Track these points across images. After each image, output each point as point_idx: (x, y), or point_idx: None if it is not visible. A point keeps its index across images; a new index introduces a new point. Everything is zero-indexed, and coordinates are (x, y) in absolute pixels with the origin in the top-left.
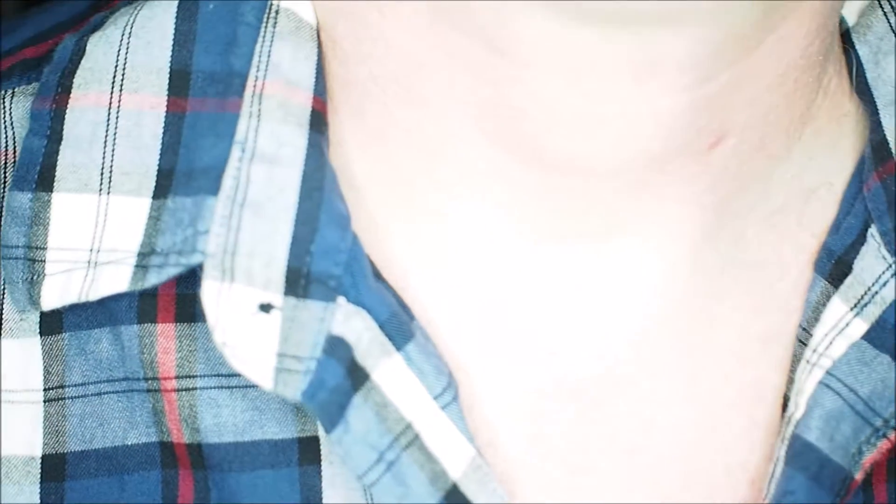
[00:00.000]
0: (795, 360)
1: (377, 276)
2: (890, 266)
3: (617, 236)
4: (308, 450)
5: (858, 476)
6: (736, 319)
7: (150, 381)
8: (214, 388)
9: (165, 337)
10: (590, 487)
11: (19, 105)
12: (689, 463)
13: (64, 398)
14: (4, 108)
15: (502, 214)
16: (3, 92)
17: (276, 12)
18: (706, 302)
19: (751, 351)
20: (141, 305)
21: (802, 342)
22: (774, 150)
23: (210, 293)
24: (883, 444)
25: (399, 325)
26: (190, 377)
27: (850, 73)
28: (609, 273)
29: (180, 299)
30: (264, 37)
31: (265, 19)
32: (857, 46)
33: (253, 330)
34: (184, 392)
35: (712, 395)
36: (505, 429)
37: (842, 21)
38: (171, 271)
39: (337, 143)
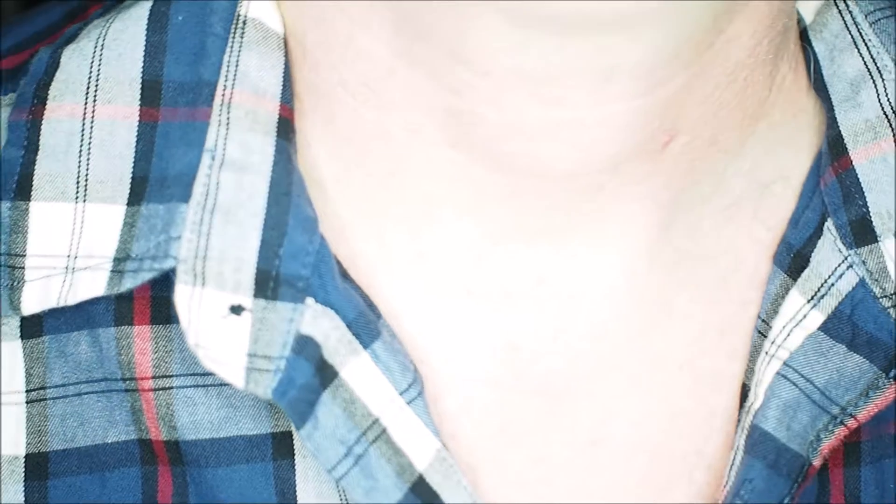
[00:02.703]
0: (755, 351)
1: (345, 276)
2: (846, 259)
3: (576, 235)
4: (282, 444)
5: (817, 462)
6: (693, 311)
7: (127, 382)
8: (190, 386)
9: (142, 338)
10: (552, 477)
11: None
12: (649, 452)
13: (45, 399)
14: None
15: (466, 215)
16: None
17: (244, 23)
18: (664, 295)
19: (708, 342)
20: (117, 308)
21: (762, 334)
22: (727, 146)
23: (182, 297)
24: (840, 431)
25: (366, 324)
26: (166, 377)
27: (807, 69)
28: (569, 270)
29: (156, 302)
30: (232, 47)
31: (233, 30)
32: (814, 44)
33: (224, 331)
34: (160, 391)
35: (671, 385)
36: (469, 422)
37: (800, 19)
38: (146, 276)
39: (306, 147)
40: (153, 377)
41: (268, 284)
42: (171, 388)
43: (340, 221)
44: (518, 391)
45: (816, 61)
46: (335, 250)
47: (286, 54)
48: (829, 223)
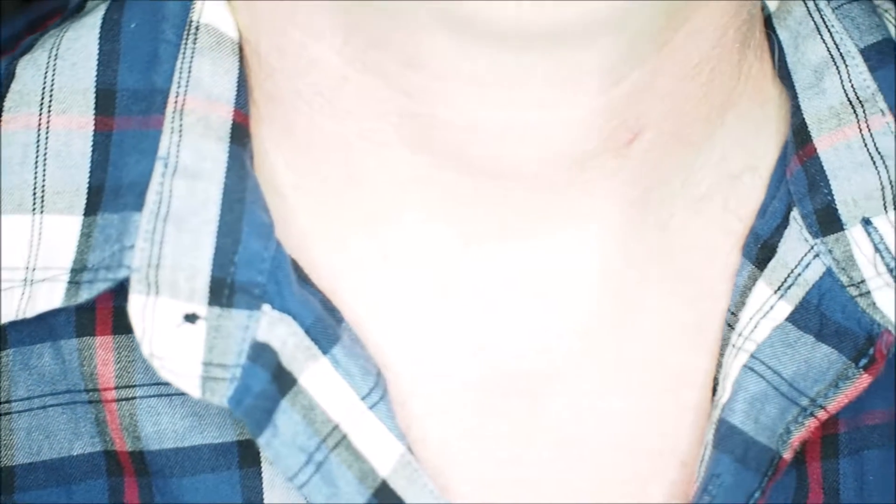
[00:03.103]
0: (725, 344)
1: (305, 281)
2: (812, 248)
3: (545, 234)
4: (248, 452)
5: (787, 455)
6: (665, 306)
7: (90, 393)
8: (153, 396)
9: (104, 349)
10: (526, 478)
11: None
12: (622, 450)
13: (11, 412)
14: None
15: (430, 217)
16: None
17: (197, 29)
18: (636, 291)
19: (681, 336)
20: (78, 319)
21: (732, 326)
22: (695, 138)
23: (136, 307)
24: (811, 423)
25: (324, 330)
26: (129, 387)
27: (772, 57)
28: (539, 269)
29: (117, 312)
30: (184, 53)
31: (185, 36)
32: (778, 31)
33: (179, 340)
34: (124, 402)
35: (644, 382)
36: (440, 424)
37: (764, 6)
38: (101, 286)
39: (265, 154)
40: (116, 388)
41: (223, 292)
42: (135, 398)
43: (302, 228)
44: (489, 391)
45: (781, 49)
46: (297, 257)
47: (241, 60)
48: (794, 212)
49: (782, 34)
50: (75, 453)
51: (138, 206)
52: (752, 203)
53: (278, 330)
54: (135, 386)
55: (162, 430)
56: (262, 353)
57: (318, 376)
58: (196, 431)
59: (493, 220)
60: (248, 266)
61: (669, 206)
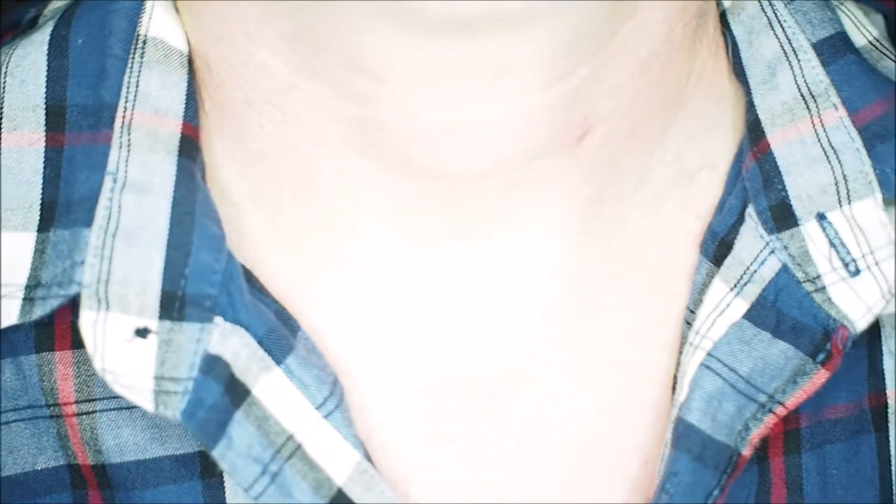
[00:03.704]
0: (683, 342)
1: (261, 291)
2: (767, 244)
3: (497, 234)
4: (209, 463)
5: (746, 452)
6: (623, 304)
7: (52, 408)
8: (113, 409)
9: (63, 364)
10: (488, 480)
11: None
12: (585, 450)
13: None
14: None
15: (384, 222)
16: None
17: (144, 42)
18: (592, 290)
19: (639, 335)
20: (38, 335)
21: (690, 324)
22: (648, 135)
23: (87, 322)
24: (770, 420)
25: (277, 340)
26: (89, 401)
27: (728, 54)
28: (493, 271)
29: (76, 327)
30: (132, 67)
31: (132, 50)
32: (732, 27)
33: (130, 355)
34: (84, 416)
35: (602, 380)
36: (402, 429)
37: (719, 3)
38: (54, 303)
39: (218, 166)
40: (76, 402)
41: (173, 305)
42: (95, 412)
43: (258, 238)
44: (448, 394)
45: (735, 45)
46: (253, 267)
47: (191, 72)
48: (750, 209)
49: (736, 30)
50: (39, 468)
51: (88, 221)
52: (709, 201)
53: (231, 342)
54: (95, 400)
55: (123, 442)
56: (214, 366)
57: (271, 387)
58: (157, 443)
59: (444, 223)
60: (199, 278)
61: (625, 205)
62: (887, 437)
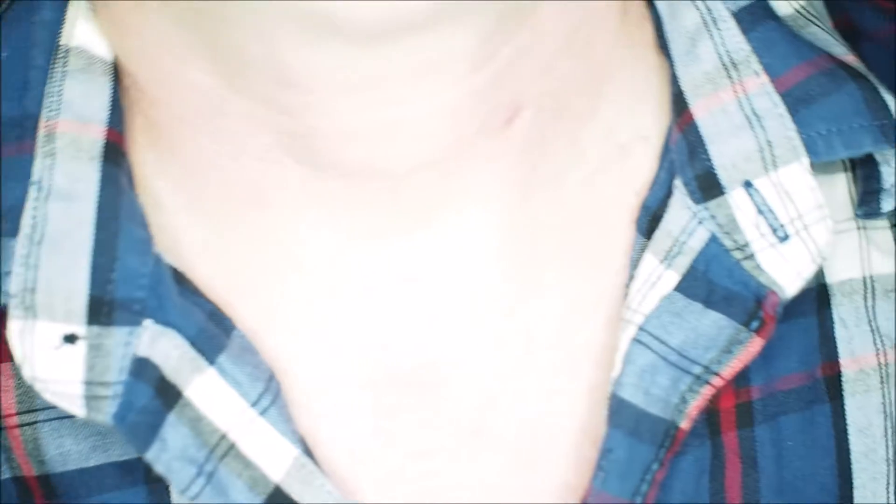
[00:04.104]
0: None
1: (194, 292)
2: (695, 214)
3: (436, 224)
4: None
5: (685, 425)
6: (564, 284)
7: None
8: (55, 419)
9: (4, 375)
10: (436, 470)
11: None
12: (533, 434)
13: None
14: None
15: (321, 223)
16: None
17: (67, 52)
18: (532, 271)
19: (582, 314)
20: None
21: None
22: (578, 112)
23: (14, 331)
24: (706, 391)
25: (209, 339)
26: (31, 412)
27: (653, 27)
28: (433, 261)
29: None
30: (53, 77)
31: (54, 60)
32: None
33: (59, 362)
34: (27, 427)
35: (547, 363)
36: (345, 425)
37: None
38: None
39: (152, 177)
40: (17, 413)
41: (101, 310)
42: (37, 422)
43: (196, 245)
44: (393, 387)
45: (658, 17)
46: (192, 272)
47: (116, 79)
48: (677, 181)
49: (659, 2)
50: None
51: (14, 231)
52: (645, 175)
53: (161, 344)
54: (36, 410)
55: (65, 451)
56: (143, 369)
57: (204, 387)
58: (100, 451)
59: (380, 220)
60: (127, 282)
61: (561, 183)
62: (842, 406)
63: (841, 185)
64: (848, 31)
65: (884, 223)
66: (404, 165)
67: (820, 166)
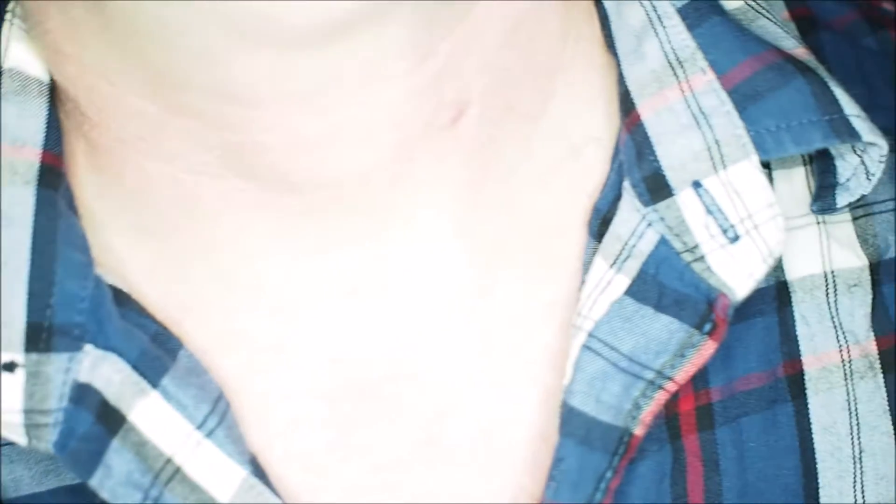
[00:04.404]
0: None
1: (139, 313)
2: (644, 217)
3: (387, 232)
4: None
5: (639, 431)
6: (519, 289)
7: None
8: (7, 444)
9: None
10: (394, 483)
11: None
12: (490, 442)
13: None
14: None
15: (271, 238)
16: None
17: (0, 74)
18: (487, 277)
19: (536, 320)
20: None
21: None
22: (527, 110)
23: None
24: (660, 396)
25: (151, 362)
26: None
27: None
28: (383, 272)
29: None
30: None
31: None
32: None
33: None
34: None
35: (503, 370)
36: (300, 439)
37: None
38: None
39: (95, 200)
40: None
41: (40, 337)
42: None
43: (143, 266)
44: (349, 401)
45: (605, 15)
46: (140, 294)
47: (52, 101)
48: (626, 183)
49: (606, 1)
50: None
51: None
52: (596, 177)
53: (102, 369)
54: None
55: (17, 477)
56: (84, 395)
57: (148, 411)
58: (51, 475)
59: (330, 232)
60: (65, 307)
61: (512, 184)
62: (806, 404)
63: (800, 180)
64: (806, 21)
65: (845, 217)
66: (351, 172)
67: (778, 161)
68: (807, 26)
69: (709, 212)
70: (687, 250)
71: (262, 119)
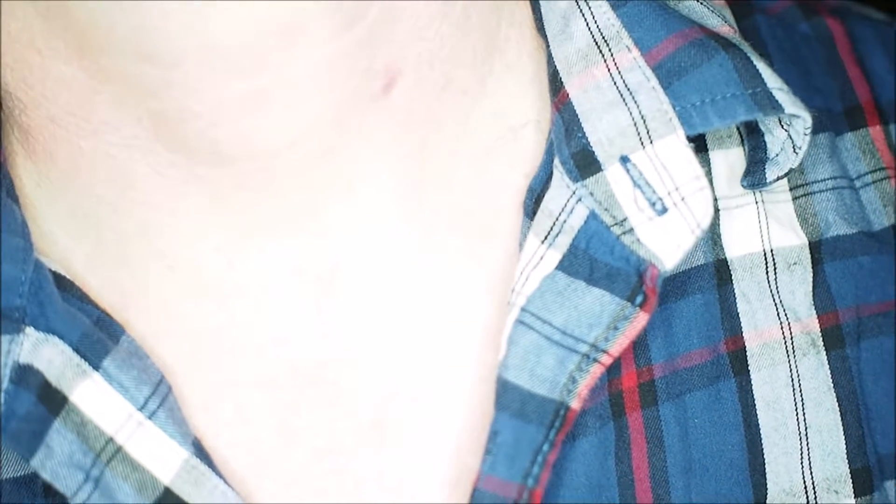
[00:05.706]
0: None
1: (81, 299)
2: (574, 193)
3: (324, 213)
4: None
5: (575, 405)
6: (458, 269)
7: None
8: None
9: None
10: (341, 467)
11: None
12: (433, 423)
13: None
14: None
15: (207, 217)
16: None
17: None
18: (426, 256)
19: (477, 299)
20: None
21: None
22: (465, 86)
23: None
24: (595, 369)
25: (93, 344)
26: None
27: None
28: (323, 252)
29: None
30: None
31: None
32: None
33: None
34: None
35: (445, 350)
36: (246, 426)
37: None
38: None
39: (34, 189)
40: None
41: None
42: None
43: (85, 252)
44: (294, 386)
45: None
46: (84, 279)
47: None
48: (556, 160)
49: None
50: None
51: None
52: (533, 158)
53: (43, 350)
54: None
55: None
56: (25, 376)
57: (89, 392)
58: None
59: (269, 207)
60: (6, 291)
61: (450, 163)
62: (749, 380)
63: (737, 160)
64: (742, 6)
65: (785, 196)
66: (283, 139)
67: (716, 141)
68: (744, 11)
69: (636, 186)
70: (616, 224)
71: (185, 80)
